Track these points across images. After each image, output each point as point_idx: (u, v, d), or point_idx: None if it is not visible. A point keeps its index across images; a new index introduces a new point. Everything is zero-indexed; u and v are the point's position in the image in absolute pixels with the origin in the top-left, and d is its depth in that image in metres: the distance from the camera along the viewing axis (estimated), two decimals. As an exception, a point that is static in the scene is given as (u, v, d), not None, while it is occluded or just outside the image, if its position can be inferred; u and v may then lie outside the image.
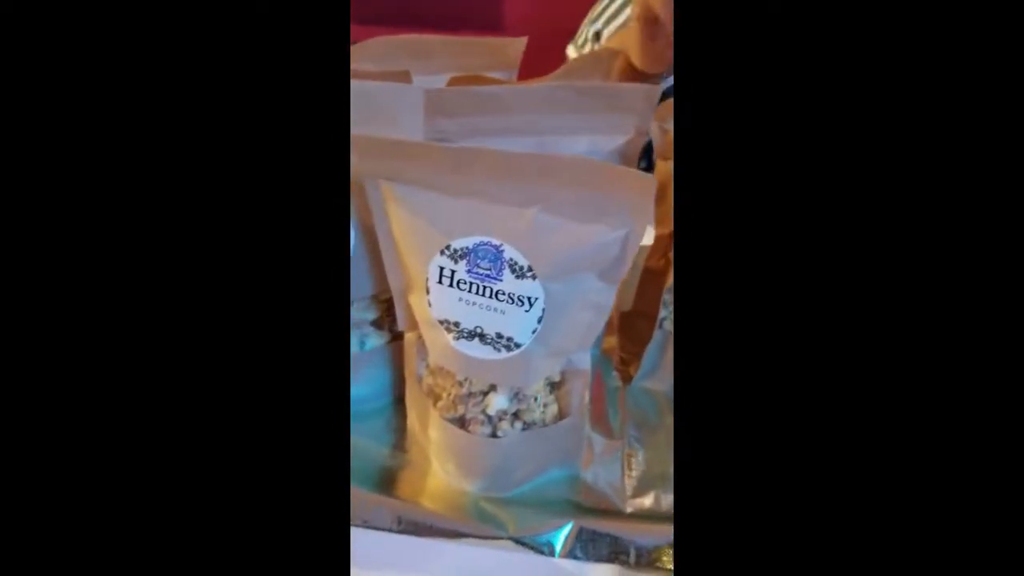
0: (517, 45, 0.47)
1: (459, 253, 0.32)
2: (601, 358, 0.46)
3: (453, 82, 0.41)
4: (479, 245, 0.32)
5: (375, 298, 0.41)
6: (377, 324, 0.42)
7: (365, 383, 0.41)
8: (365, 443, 0.40)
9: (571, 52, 0.75)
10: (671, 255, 0.49)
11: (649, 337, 0.45)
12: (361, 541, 0.34)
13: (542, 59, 0.52)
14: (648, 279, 0.48)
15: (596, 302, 0.33)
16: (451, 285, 0.33)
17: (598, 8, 0.74)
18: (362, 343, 0.41)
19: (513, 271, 0.32)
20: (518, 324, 0.33)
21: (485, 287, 0.32)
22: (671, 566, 0.34)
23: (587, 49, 0.73)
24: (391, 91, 0.35)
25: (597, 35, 0.73)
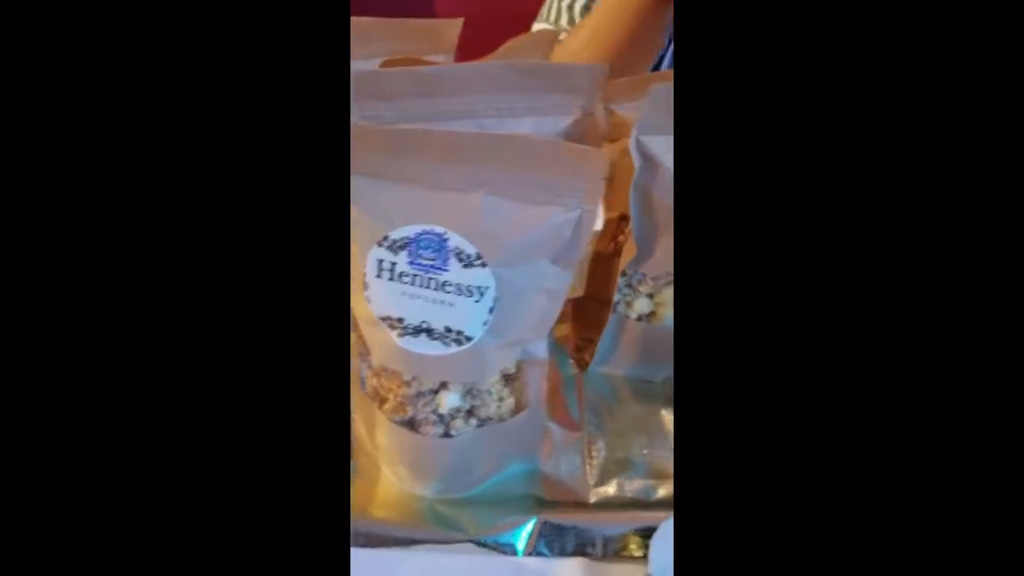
0: (452, 27, 0.45)
1: (398, 244, 0.30)
2: (555, 347, 0.45)
3: (387, 64, 0.38)
4: (421, 234, 0.30)
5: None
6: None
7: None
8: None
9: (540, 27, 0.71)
10: (621, 239, 0.48)
11: (603, 322, 0.44)
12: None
13: (477, 48, 0.50)
14: (598, 263, 0.47)
15: (551, 287, 0.31)
16: (392, 279, 0.31)
17: None
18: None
19: (460, 260, 0.30)
20: (468, 316, 0.31)
21: (430, 279, 0.30)
22: (639, 553, 0.33)
23: (564, 22, 0.70)
24: (319, 73, 0.33)
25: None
